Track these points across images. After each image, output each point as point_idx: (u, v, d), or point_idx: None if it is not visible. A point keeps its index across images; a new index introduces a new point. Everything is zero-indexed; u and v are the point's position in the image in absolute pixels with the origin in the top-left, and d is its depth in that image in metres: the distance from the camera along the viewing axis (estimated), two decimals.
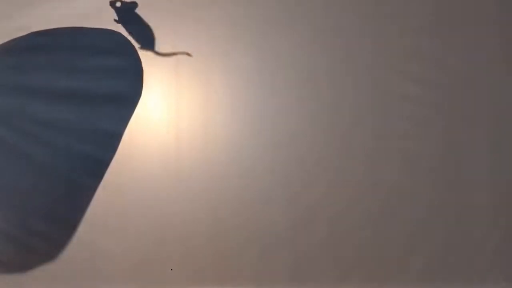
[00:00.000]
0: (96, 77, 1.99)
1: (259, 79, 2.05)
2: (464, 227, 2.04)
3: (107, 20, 2.02)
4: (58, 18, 2.01)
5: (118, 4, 1.99)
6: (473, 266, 2.02)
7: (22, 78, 1.98)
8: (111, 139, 1.99)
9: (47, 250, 1.95)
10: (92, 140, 1.97)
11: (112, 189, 1.98)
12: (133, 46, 2.01)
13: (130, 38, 2.00)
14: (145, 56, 2.02)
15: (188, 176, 2.00)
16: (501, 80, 2.08)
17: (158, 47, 2.03)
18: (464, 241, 2.03)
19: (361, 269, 2.00)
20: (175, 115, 2.02)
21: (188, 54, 1.99)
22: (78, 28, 2.02)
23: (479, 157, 2.06)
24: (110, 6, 2.00)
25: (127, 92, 2.01)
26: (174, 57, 2.02)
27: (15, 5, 2.03)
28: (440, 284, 2.01)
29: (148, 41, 1.99)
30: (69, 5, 2.03)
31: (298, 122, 2.05)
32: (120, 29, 2.02)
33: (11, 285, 1.95)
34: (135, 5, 2.00)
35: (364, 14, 2.08)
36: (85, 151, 1.96)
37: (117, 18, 2.00)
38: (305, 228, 2.01)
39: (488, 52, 2.08)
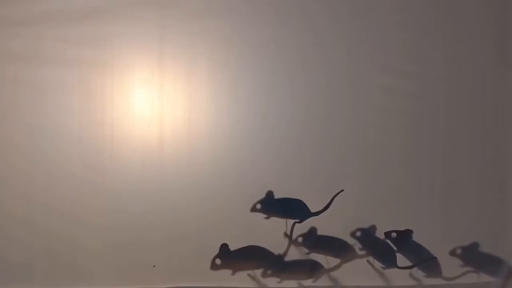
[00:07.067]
0: None
1: (245, 74, 2.03)
2: (456, 222, 2.06)
3: (105, 17, 1.99)
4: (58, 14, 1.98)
5: (394, 235, 2.03)
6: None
7: None
8: None
9: None
10: None
11: (92, 185, 1.96)
12: None
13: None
14: (126, 47, 1.98)
15: (171, 173, 1.98)
16: (487, 73, 2.09)
17: (144, 39, 1.99)
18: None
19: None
20: (158, 110, 2.00)
21: None
22: None
23: (465, 151, 2.07)
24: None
25: None
26: (157, 49, 1.99)
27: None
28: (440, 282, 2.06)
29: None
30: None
31: (287, 117, 2.03)
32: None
33: None
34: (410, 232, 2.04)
35: (353, 8, 2.07)
36: None
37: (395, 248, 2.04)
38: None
39: (474, 46, 2.09)
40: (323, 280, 2.01)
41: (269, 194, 2.00)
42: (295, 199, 2.01)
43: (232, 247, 1.98)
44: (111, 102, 1.98)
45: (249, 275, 1.99)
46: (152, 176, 1.98)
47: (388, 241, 2.02)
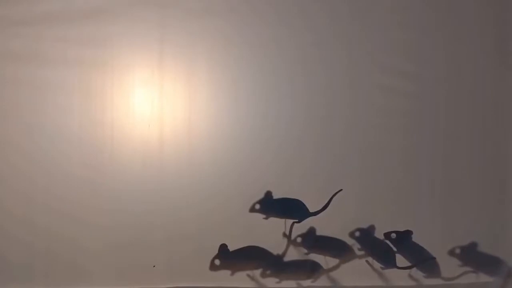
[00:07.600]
0: None
1: (245, 74, 2.03)
2: (455, 222, 2.06)
3: (105, 17, 1.98)
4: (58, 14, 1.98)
5: (393, 235, 2.04)
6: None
7: None
8: None
9: None
10: None
11: (92, 185, 1.96)
12: None
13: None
14: (126, 47, 1.98)
15: (171, 173, 1.98)
16: (487, 73, 2.09)
17: (144, 39, 1.99)
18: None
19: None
20: (158, 110, 2.00)
21: None
22: None
23: (465, 151, 2.07)
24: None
25: None
26: (157, 49, 2.00)
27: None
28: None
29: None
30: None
31: (287, 117, 2.03)
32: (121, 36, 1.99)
33: None
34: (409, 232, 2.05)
35: (353, 8, 2.06)
36: None
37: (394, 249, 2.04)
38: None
39: (474, 46, 2.09)
40: (322, 280, 2.02)
41: (268, 194, 2.00)
42: (294, 199, 2.01)
43: (232, 247, 1.98)
44: (111, 102, 1.98)
45: (248, 275, 1.99)
46: (152, 176, 1.98)
47: (387, 242, 2.02)
